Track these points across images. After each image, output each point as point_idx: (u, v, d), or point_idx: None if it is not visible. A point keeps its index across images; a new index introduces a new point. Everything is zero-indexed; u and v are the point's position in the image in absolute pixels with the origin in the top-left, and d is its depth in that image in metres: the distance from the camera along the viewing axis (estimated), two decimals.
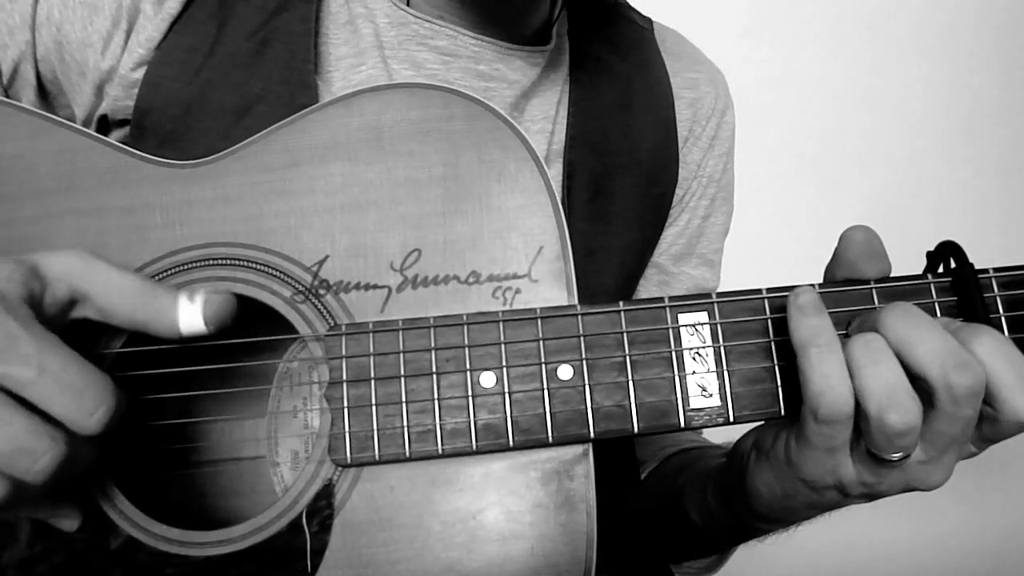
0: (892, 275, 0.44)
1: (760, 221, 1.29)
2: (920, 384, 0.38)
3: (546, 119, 0.62)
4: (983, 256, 0.44)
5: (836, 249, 0.44)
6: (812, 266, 0.46)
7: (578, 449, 0.43)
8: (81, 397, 0.35)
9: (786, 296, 0.42)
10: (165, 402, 0.47)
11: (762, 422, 0.45)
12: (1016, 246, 1.43)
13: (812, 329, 0.39)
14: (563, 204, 0.61)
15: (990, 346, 0.38)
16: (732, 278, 0.67)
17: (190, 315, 0.40)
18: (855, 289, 0.43)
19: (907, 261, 0.48)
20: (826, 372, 0.38)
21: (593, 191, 0.63)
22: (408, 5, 0.58)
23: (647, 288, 0.71)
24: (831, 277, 0.45)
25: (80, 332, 0.40)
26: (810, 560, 1.32)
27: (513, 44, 0.60)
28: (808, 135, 1.41)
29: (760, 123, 1.25)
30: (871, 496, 0.42)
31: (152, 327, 0.40)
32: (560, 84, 0.64)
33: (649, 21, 0.71)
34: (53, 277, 0.38)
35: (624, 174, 0.64)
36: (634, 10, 0.72)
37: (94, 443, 0.38)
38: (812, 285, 0.43)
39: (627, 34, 0.68)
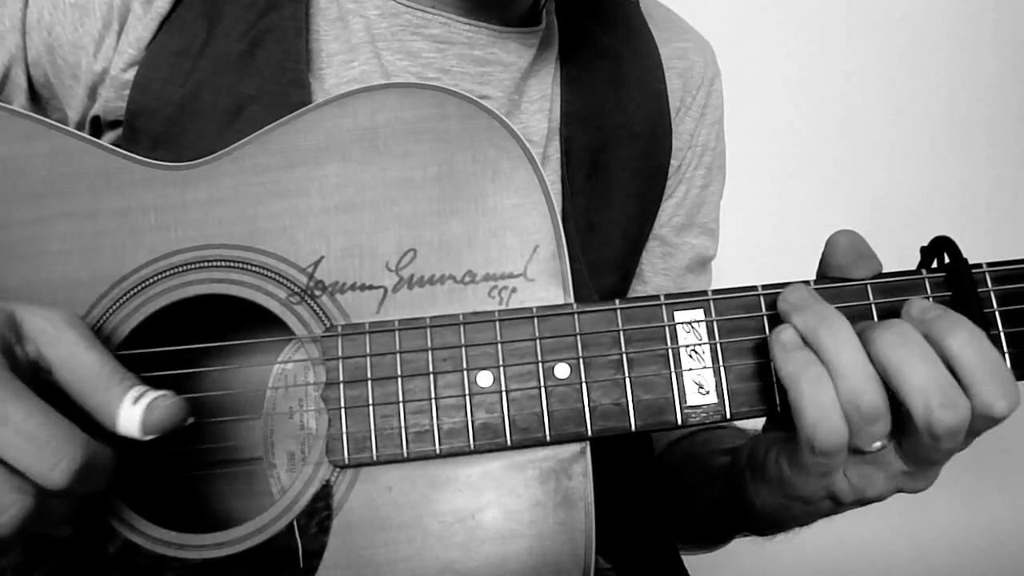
0: (886, 271, 0.44)
1: (755, 219, 1.30)
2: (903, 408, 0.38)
3: (543, 98, 0.63)
4: (977, 251, 0.44)
5: (823, 255, 0.44)
6: (807, 262, 0.46)
7: (576, 447, 0.43)
8: (44, 450, 0.33)
9: (781, 293, 0.42)
10: None
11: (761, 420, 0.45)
12: (1010, 241, 1.43)
13: (798, 362, 0.39)
14: (563, 180, 0.61)
15: (964, 338, 0.37)
16: (727, 275, 0.68)
17: (128, 419, 0.38)
18: (849, 285, 0.43)
19: (902, 257, 0.48)
20: (819, 403, 0.38)
21: (591, 166, 0.63)
22: None
23: (650, 260, 0.71)
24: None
25: None
26: (811, 559, 1.32)
27: (506, 27, 0.60)
28: (803, 133, 1.42)
29: (756, 122, 1.25)
30: (862, 502, 0.43)
31: (95, 416, 0.38)
32: (553, 62, 0.64)
33: None
34: (26, 335, 0.37)
35: (620, 147, 0.64)
36: None
37: (71, 499, 0.37)
38: (807, 282, 0.44)
39: (613, 9, 0.68)
